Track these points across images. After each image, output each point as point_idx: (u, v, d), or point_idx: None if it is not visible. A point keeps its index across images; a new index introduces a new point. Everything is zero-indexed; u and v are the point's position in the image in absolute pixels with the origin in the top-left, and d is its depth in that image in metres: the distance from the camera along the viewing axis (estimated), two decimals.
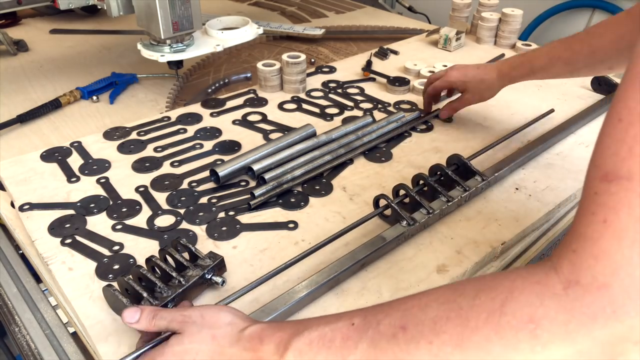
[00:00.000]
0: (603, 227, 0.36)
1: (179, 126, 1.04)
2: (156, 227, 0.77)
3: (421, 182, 0.80)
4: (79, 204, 0.82)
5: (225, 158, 0.92)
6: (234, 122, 1.06)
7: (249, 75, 1.28)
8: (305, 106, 1.13)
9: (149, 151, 0.96)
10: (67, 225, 0.77)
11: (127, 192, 0.85)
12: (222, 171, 0.85)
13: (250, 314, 0.60)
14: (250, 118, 1.08)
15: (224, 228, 0.77)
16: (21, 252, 0.81)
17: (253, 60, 1.37)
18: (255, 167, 0.87)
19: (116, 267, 0.70)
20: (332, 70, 1.29)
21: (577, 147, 0.98)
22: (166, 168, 0.91)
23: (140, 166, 0.91)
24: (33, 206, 0.81)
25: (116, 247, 0.74)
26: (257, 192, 0.83)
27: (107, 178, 0.88)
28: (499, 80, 0.96)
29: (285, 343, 0.49)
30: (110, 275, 0.69)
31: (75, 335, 0.69)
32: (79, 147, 0.96)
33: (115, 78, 1.22)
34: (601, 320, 0.36)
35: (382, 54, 1.36)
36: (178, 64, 1.13)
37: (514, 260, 0.78)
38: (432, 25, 1.60)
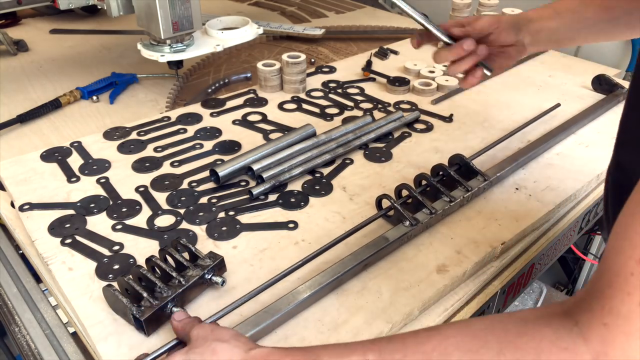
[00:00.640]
0: (639, 308, 0.37)
1: (179, 126, 1.04)
2: (156, 227, 0.77)
3: (423, 182, 0.80)
4: (79, 204, 0.82)
5: (225, 158, 0.92)
6: (234, 122, 1.06)
7: (249, 75, 1.28)
8: (305, 106, 1.13)
9: (149, 151, 0.96)
10: (67, 225, 0.77)
11: (127, 192, 0.85)
12: (222, 171, 0.85)
13: (253, 315, 0.61)
14: (250, 118, 1.08)
15: (224, 228, 0.77)
16: (21, 252, 0.81)
17: (253, 60, 1.37)
18: (255, 167, 0.86)
19: (116, 267, 0.70)
20: (332, 70, 1.29)
21: (577, 147, 0.98)
22: (166, 168, 0.91)
23: (140, 166, 0.91)
24: (33, 206, 0.81)
25: (116, 247, 0.74)
26: (255, 191, 0.83)
27: (107, 178, 0.88)
28: (526, 25, 0.79)
29: None
30: (110, 275, 0.69)
31: (75, 335, 0.69)
32: (79, 147, 0.96)
33: (115, 78, 1.22)
34: None
35: (382, 54, 1.36)
36: (178, 64, 1.13)
37: (514, 260, 0.78)
38: None
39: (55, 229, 0.77)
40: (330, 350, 0.48)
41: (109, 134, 1.00)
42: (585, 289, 0.41)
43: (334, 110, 1.11)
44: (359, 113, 1.10)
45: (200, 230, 0.77)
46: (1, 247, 0.83)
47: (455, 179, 0.81)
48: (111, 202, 0.82)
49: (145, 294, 0.61)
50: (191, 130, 1.02)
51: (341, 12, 1.77)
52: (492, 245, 0.74)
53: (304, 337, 0.61)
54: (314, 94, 1.18)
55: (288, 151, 0.91)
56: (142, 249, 0.73)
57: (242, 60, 1.38)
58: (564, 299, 0.44)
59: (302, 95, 1.17)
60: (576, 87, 1.20)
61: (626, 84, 1.15)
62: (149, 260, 0.65)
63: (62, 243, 0.74)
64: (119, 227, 0.77)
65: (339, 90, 1.19)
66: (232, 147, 0.97)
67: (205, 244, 0.75)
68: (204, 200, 0.83)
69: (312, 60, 1.37)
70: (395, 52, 1.38)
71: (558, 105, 1.07)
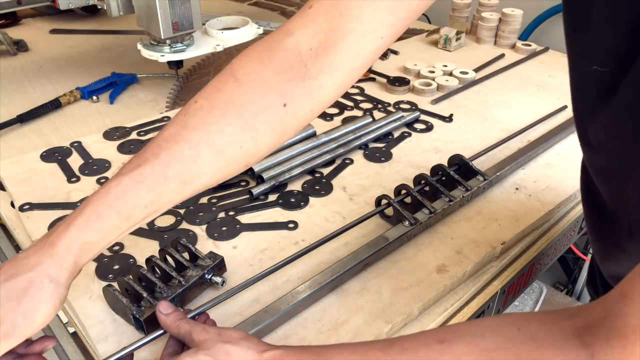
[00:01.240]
0: None
1: None
2: (156, 227, 0.77)
3: (423, 182, 0.80)
4: (79, 204, 0.82)
5: None
6: None
7: None
8: None
9: None
10: None
11: None
12: None
13: (252, 315, 0.61)
14: None
15: (224, 228, 0.77)
16: (21, 252, 0.81)
17: None
18: (256, 167, 0.86)
19: (116, 267, 0.70)
20: None
21: (577, 147, 0.97)
22: None
23: None
24: (33, 206, 0.81)
25: (116, 247, 0.74)
26: (255, 191, 0.83)
27: (107, 178, 0.88)
28: None
29: None
30: (110, 275, 0.69)
31: (75, 335, 0.69)
32: (79, 147, 0.96)
33: (115, 78, 1.22)
34: None
35: (382, 54, 1.36)
36: (178, 64, 1.13)
37: (514, 260, 0.78)
38: (432, 25, 1.60)
39: (60, 221, 0.76)
40: (342, 349, 0.47)
41: (109, 134, 1.00)
42: (601, 310, 0.38)
43: (334, 110, 1.11)
44: (359, 113, 1.10)
45: (200, 230, 0.77)
46: (1, 247, 0.83)
47: (454, 179, 0.81)
48: None
49: (145, 294, 0.61)
50: None
51: None
52: (492, 245, 0.74)
53: (304, 337, 0.61)
54: None
55: (288, 151, 0.91)
56: (142, 249, 0.73)
57: None
58: (572, 309, 0.42)
59: None
60: None
61: None
62: (149, 260, 0.65)
63: None
64: None
65: None
66: None
67: (205, 244, 0.75)
68: (204, 200, 0.83)
69: None
70: (395, 52, 1.38)
71: (565, 107, 1.06)
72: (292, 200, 0.83)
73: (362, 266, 0.69)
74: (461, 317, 0.70)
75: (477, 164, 0.86)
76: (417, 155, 0.96)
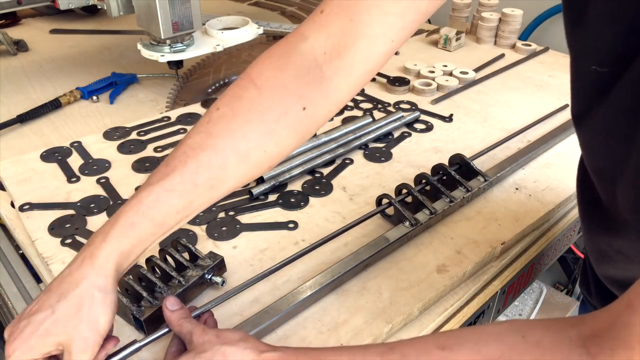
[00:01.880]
0: None
1: (179, 126, 1.04)
2: None
3: (423, 181, 0.80)
4: (79, 204, 0.82)
5: None
6: None
7: None
8: None
9: (149, 151, 0.96)
10: (68, 225, 0.77)
11: (127, 192, 0.85)
12: None
13: (253, 315, 0.61)
14: None
15: (224, 228, 0.77)
16: (21, 252, 0.81)
17: (253, 60, 1.36)
18: None
19: None
20: None
21: (577, 147, 0.97)
22: None
23: (141, 166, 0.91)
24: (33, 206, 0.81)
25: None
26: (255, 191, 0.83)
27: (107, 178, 0.88)
28: None
29: None
30: None
31: None
32: (79, 147, 0.96)
33: (115, 78, 1.22)
34: None
35: None
36: (178, 64, 1.13)
37: (514, 260, 0.78)
38: (432, 25, 1.60)
39: (55, 229, 0.77)
40: (341, 352, 0.47)
41: (109, 134, 1.00)
42: (607, 319, 0.38)
43: None
44: (359, 113, 1.10)
45: (200, 230, 0.77)
46: (1, 247, 0.83)
47: (455, 179, 0.81)
48: (111, 202, 0.82)
49: (145, 294, 0.61)
50: None
51: None
52: (492, 245, 0.74)
53: (304, 337, 0.61)
54: None
55: None
56: None
57: (242, 60, 1.38)
58: (577, 318, 0.41)
59: None
60: None
61: None
62: (149, 260, 0.65)
63: (63, 243, 0.74)
64: None
65: None
66: None
67: (205, 244, 0.75)
68: None
69: None
70: (396, 52, 1.38)
71: (566, 106, 1.06)
72: (292, 200, 0.83)
73: (362, 266, 0.69)
74: (461, 317, 0.70)
75: (477, 164, 0.86)
76: (417, 155, 0.96)
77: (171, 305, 0.56)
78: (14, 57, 1.39)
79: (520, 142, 0.98)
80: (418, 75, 1.25)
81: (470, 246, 0.74)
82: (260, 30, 1.20)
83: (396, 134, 1.02)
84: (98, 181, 0.87)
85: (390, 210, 0.77)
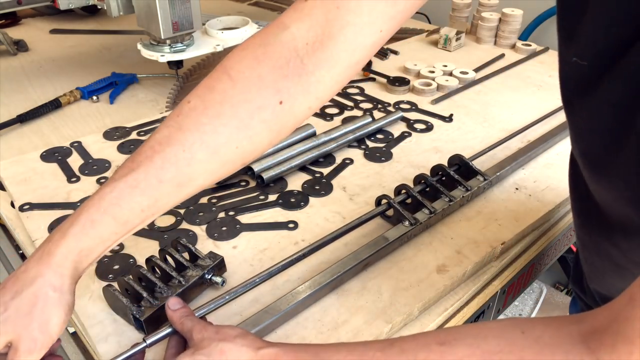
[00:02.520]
0: None
1: None
2: (156, 227, 0.77)
3: (423, 182, 0.80)
4: (79, 204, 0.82)
5: None
6: None
7: None
8: None
9: None
10: None
11: None
12: None
13: (253, 315, 0.61)
14: None
15: (224, 228, 0.77)
16: (21, 252, 0.81)
17: None
18: (255, 167, 0.86)
19: (116, 267, 0.70)
20: None
21: None
22: None
23: None
24: (33, 206, 0.81)
25: (116, 247, 0.73)
26: (266, 176, 0.84)
27: (107, 178, 0.88)
28: None
29: None
30: (110, 275, 0.69)
31: (75, 335, 0.69)
32: (79, 147, 0.96)
33: (115, 78, 1.22)
34: None
35: (382, 54, 1.36)
36: (178, 64, 1.13)
37: (514, 260, 0.78)
38: (432, 25, 1.60)
39: (55, 229, 0.76)
40: (340, 348, 0.47)
41: (109, 134, 1.00)
42: (608, 315, 0.38)
43: (334, 110, 1.11)
44: (359, 113, 1.10)
45: (200, 230, 0.77)
46: (1, 247, 0.83)
47: (455, 179, 0.81)
48: None
49: (145, 294, 0.61)
50: None
51: None
52: (492, 245, 0.74)
53: (304, 337, 0.61)
54: None
55: (288, 151, 0.91)
56: (142, 249, 0.73)
57: None
58: (578, 315, 0.41)
59: None
60: None
61: None
62: (149, 260, 0.65)
63: None
64: None
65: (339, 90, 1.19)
66: None
67: (205, 244, 0.75)
68: (204, 200, 0.83)
69: None
70: (396, 52, 1.38)
71: None
72: (292, 200, 0.83)
73: (362, 266, 0.69)
74: (461, 316, 0.70)
75: (477, 164, 0.86)
76: (417, 155, 0.96)
77: (173, 305, 0.56)
78: (14, 57, 1.39)
79: (520, 142, 0.98)
80: (418, 75, 1.25)
81: (470, 246, 0.74)
82: None
83: (396, 134, 1.02)
84: (98, 181, 0.87)
85: (389, 211, 0.77)
